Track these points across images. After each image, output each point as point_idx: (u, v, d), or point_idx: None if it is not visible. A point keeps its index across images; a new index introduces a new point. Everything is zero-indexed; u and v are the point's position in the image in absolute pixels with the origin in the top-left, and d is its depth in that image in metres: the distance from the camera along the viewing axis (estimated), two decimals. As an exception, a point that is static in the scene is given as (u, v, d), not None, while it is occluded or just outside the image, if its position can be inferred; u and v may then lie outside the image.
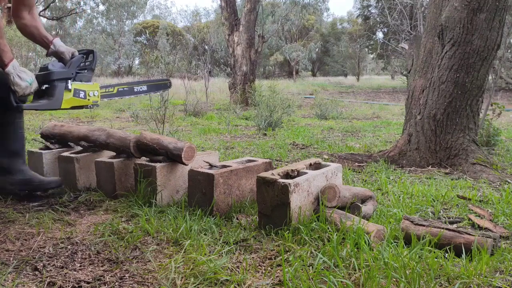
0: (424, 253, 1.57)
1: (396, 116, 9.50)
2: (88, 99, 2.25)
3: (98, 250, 1.64)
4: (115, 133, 2.48)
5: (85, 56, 2.37)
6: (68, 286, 1.36)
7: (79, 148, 2.73)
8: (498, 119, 4.76)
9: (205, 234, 1.77)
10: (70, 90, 2.17)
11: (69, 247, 1.67)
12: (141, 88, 2.59)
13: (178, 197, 2.31)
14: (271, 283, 1.37)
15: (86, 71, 2.32)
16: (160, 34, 31.66)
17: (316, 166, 2.19)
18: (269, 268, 1.49)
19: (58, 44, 2.30)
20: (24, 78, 2.02)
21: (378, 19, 21.29)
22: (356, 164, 3.62)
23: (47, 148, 2.73)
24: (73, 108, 2.28)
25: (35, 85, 2.07)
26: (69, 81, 2.17)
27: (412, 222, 1.76)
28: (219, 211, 2.04)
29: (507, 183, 2.89)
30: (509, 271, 1.47)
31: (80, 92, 2.21)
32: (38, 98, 2.14)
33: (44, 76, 2.12)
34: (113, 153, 2.55)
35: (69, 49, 2.32)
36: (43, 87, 2.12)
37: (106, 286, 1.37)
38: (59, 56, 2.30)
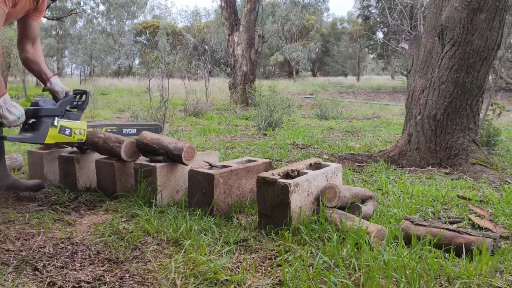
0: (424, 253, 1.57)
1: (396, 116, 9.50)
2: (73, 137, 2.35)
3: (98, 250, 1.64)
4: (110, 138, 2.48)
5: (78, 96, 2.49)
6: (68, 286, 1.36)
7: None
8: (498, 119, 4.76)
9: (205, 234, 1.77)
10: (56, 127, 2.27)
11: (69, 247, 1.67)
12: (130, 130, 2.66)
13: (178, 197, 2.31)
14: (271, 283, 1.37)
15: (76, 109, 2.43)
16: (160, 34, 31.67)
17: (316, 166, 2.19)
18: (269, 268, 1.49)
19: (55, 82, 2.41)
20: (13, 112, 2.10)
21: (378, 19, 21.28)
22: (356, 164, 3.62)
23: (44, 148, 2.73)
24: (57, 143, 2.37)
25: (23, 118, 2.16)
26: (56, 118, 2.28)
27: (412, 222, 1.76)
28: (219, 211, 2.04)
29: (507, 183, 2.89)
30: (509, 271, 1.47)
31: (66, 129, 2.31)
32: (24, 131, 2.24)
33: (33, 111, 2.23)
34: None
35: (64, 88, 2.42)
36: (30, 121, 2.22)
37: (106, 286, 1.37)
38: (53, 93, 2.41)
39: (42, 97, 2.34)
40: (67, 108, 2.38)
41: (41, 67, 2.42)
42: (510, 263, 1.53)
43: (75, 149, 2.69)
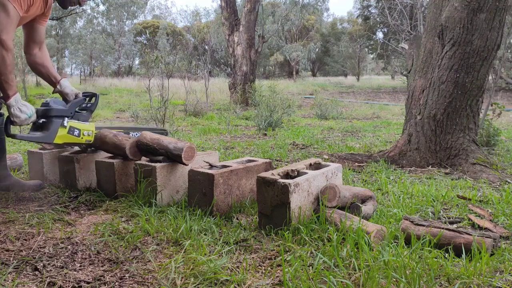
0: (424, 253, 1.57)
1: (396, 116, 9.49)
2: (82, 138, 2.39)
3: (98, 250, 1.64)
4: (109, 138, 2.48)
5: (87, 99, 2.54)
6: (68, 286, 1.36)
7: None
8: (498, 119, 4.76)
9: (205, 234, 1.77)
10: (65, 127, 2.30)
11: (69, 247, 1.67)
12: (137, 134, 2.73)
13: (178, 197, 2.31)
14: (271, 283, 1.37)
15: (85, 112, 2.47)
16: (160, 34, 31.67)
17: (316, 166, 2.19)
18: (269, 268, 1.49)
19: (64, 85, 2.44)
20: (24, 111, 2.14)
21: (378, 19, 21.28)
22: (356, 164, 3.62)
23: (44, 148, 2.74)
24: (65, 144, 2.41)
25: (33, 117, 2.20)
26: (66, 118, 2.31)
27: (412, 222, 1.76)
28: (219, 211, 2.04)
29: (507, 183, 2.89)
30: (509, 271, 1.47)
31: (75, 130, 2.35)
32: (34, 130, 2.28)
33: (44, 111, 2.26)
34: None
35: (74, 90, 2.46)
36: (41, 121, 2.25)
37: (106, 286, 1.37)
38: (63, 96, 2.44)
39: (52, 98, 2.37)
40: (77, 109, 2.42)
41: (49, 70, 2.45)
42: (510, 263, 1.53)
43: (76, 148, 2.70)
